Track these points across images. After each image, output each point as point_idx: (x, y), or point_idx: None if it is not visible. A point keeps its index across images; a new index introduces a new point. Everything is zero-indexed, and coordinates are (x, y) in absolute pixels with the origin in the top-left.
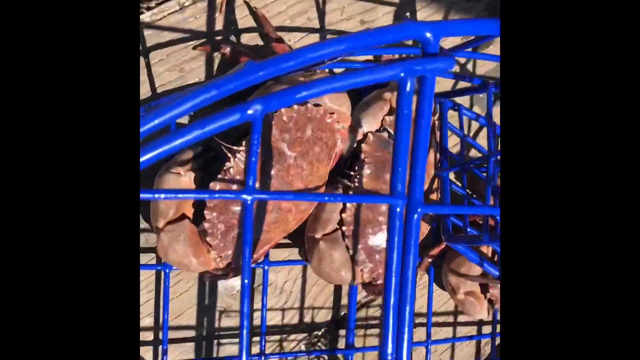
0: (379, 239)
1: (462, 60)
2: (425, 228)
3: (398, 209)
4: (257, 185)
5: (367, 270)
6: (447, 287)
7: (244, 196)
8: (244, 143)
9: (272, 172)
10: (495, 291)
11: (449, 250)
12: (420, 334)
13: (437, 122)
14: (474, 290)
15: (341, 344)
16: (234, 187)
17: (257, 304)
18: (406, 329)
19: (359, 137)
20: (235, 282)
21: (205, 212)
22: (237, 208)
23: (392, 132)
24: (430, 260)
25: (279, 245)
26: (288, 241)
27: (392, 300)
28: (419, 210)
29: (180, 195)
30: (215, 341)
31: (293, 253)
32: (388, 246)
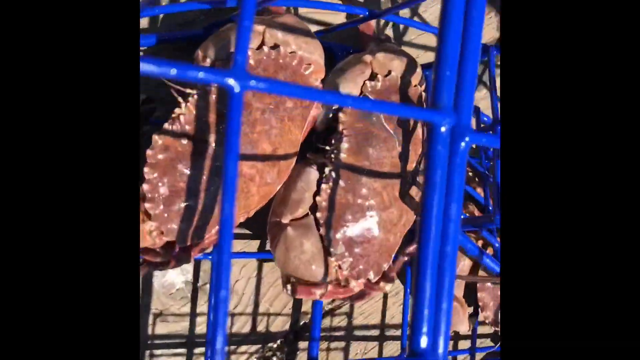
0: (360, 228)
1: None
2: (411, 216)
3: (443, 129)
4: (210, 139)
5: (347, 265)
6: None
7: (230, 81)
8: (202, 85)
9: None
10: (484, 294)
11: None
12: (391, 347)
13: (424, 94)
14: (457, 296)
15: (300, 358)
16: (184, 141)
17: (202, 307)
18: (444, 305)
19: (335, 105)
20: (175, 278)
21: (145, 170)
22: (186, 170)
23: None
24: (405, 259)
25: None
26: (244, 231)
27: (430, 260)
28: (467, 139)
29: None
30: (148, 352)
31: (248, 245)
32: (426, 186)
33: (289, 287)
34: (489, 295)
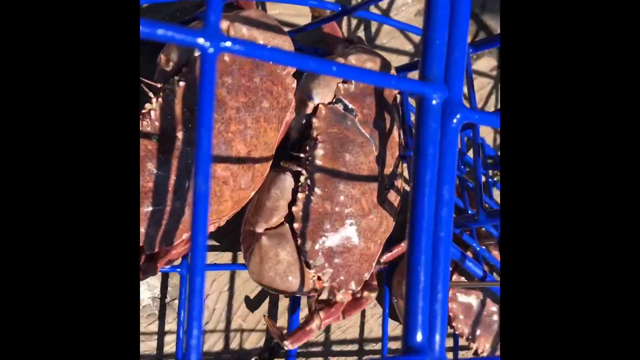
0: (339, 237)
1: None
2: (390, 223)
3: (434, 102)
4: (180, 137)
5: (327, 277)
6: (397, 307)
7: (201, 41)
8: (174, 80)
9: None
10: (453, 305)
11: (402, 259)
12: None
13: (398, 97)
14: None
15: None
16: (153, 141)
17: (171, 325)
18: (440, 296)
19: (309, 111)
20: (142, 294)
21: None
22: (155, 169)
23: (348, 103)
24: (379, 268)
25: None
26: (215, 242)
27: (423, 247)
28: (458, 115)
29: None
30: None
31: (220, 258)
32: (417, 166)
33: (286, 343)
34: (460, 306)
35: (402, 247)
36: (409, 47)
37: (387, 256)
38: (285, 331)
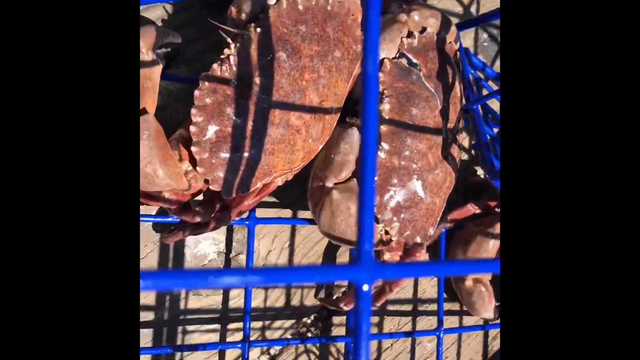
0: (407, 192)
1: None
2: (453, 179)
3: None
4: (258, 82)
5: (395, 231)
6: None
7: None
8: (251, 27)
9: (284, 68)
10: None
11: (463, 226)
12: (425, 323)
13: (458, 54)
14: (484, 280)
15: (336, 334)
16: (231, 87)
17: None
18: None
19: None
20: (208, 249)
21: (192, 111)
22: (234, 115)
23: (412, 58)
24: (444, 226)
25: (263, 204)
26: (274, 199)
27: None
28: None
29: None
30: (181, 327)
31: (280, 214)
32: None
33: (341, 305)
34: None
35: (467, 208)
36: (459, 9)
37: (454, 214)
38: (341, 292)
